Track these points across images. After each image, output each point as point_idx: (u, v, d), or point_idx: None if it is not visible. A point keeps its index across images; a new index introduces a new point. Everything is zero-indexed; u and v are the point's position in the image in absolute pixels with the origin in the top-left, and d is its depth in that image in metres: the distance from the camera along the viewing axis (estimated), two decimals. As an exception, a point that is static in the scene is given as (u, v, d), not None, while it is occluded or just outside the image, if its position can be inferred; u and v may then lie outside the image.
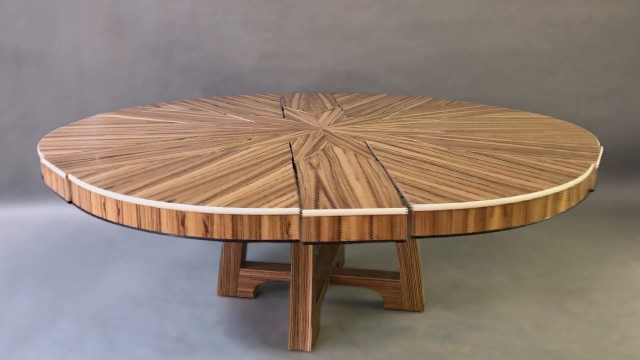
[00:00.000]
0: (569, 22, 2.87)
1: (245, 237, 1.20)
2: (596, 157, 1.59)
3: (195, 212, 1.21)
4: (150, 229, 1.25)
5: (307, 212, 1.18)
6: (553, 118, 2.09)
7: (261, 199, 1.24)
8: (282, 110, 2.20)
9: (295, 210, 1.19)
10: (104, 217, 1.31)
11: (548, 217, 1.35)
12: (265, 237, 1.20)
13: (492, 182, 1.37)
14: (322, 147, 1.67)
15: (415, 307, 1.94)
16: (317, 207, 1.21)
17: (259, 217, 1.19)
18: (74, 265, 2.29)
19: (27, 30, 2.81)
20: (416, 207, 1.20)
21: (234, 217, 1.20)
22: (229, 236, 1.21)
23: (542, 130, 1.92)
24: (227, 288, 2.03)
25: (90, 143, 1.68)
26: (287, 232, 1.20)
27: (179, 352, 1.73)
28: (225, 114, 2.07)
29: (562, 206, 1.38)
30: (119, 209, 1.27)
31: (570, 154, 1.63)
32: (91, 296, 2.06)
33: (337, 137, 1.75)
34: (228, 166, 1.46)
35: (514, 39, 2.88)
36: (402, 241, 1.22)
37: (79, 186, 1.35)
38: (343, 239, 1.21)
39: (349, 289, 2.08)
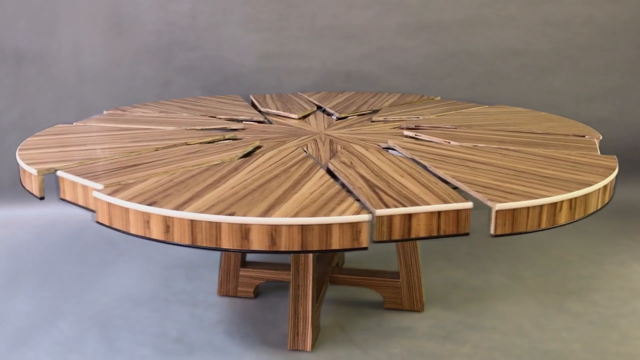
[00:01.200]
0: (569, 22, 2.87)
1: (315, 248, 1.16)
2: (604, 148, 1.69)
3: (261, 225, 1.15)
4: (208, 245, 1.17)
5: (380, 212, 1.18)
6: (536, 110, 2.14)
7: (322, 208, 1.20)
8: (259, 111, 2.16)
9: (366, 217, 1.17)
10: (146, 236, 1.21)
11: (599, 208, 1.39)
12: (335, 246, 1.17)
13: (546, 177, 1.39)
14: (338, 149, 1.66)
15: (415, 307, 1.94)
16: (386, 205, 1.20)
17: (329, 226, 1.16)
18: (74, 265, 2.29)
19: (27, 30, 2.81)
20: (498, 206, 1.21)
21: (303, 228, 1.15)
22: (296, 247, 1.16)
23: (539, 122, 1.96)
24: (227, 288, 2.03)
25: (80, 154, 1.57)
26: (357, 239, 1.17)
27: (179, 352, 1.73)
28: (215, 117, 2.06)
29: (607, 196, 1.42)
30: (168, 226, 1.19)
31: (586, 147, 1.69)
32: (91, 296, 2.06)
33: (345, 140, 1.75)
34: (260, 174, 1.42)
35: (514, 39, 2.88)
36: (467, 234, 1.23)
37: (109, 203, 1.25)
38: (413, 235, 1.21)
39: (349, 289, 2.08)
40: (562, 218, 1.29)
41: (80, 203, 1.36)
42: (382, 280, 1.94)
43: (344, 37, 2.88)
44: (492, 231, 1.23)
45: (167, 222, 1.19)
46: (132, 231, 1.23)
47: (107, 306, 1.99)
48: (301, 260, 1.70)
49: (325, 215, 1.16)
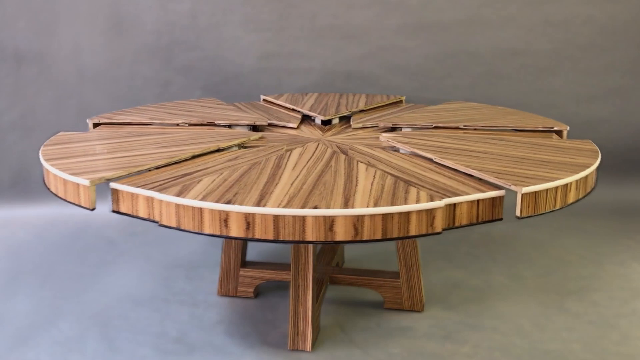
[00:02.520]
0: (569, 22, 2.87)
1: (395, 235, 1.23)
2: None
3: (345, 216, 1.21)
4: (292, 239, 1.21)
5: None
6: (494, 105, 2.21)
7: (395, 197, 1.27)
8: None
9: (440, 203, 1.25)
10: (223, 234, 1.23)
11: (593, 187, 1.51)
12: (412, 232, 1.25)
13: (545, 162, 1.49)
14: (348, 151, 1.68)
15: (415, 307, 1.94)
16: (431, 199, 1.28)
17: (408, 214, 1.23)
18: (74, 265, 2.29)
19: (27, 30, 2.81)
20: (524, 189, 1.31)
21: (384, 217, 1.22)
22: (378, 236, 1.23)
23: (503, 116, 2.01)
24: (227, 288, 2.03)
25: (118, 162, 1.51)
26: (432, 225, 1.26)
27: (179, 352, 1.73)
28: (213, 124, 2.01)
29: (594, 177, 1.54)
30: (248, 223, 1.22)
31: (556, 135, 1.81)
32: (91, 296, 2.06)
33: (349, 146, 1.76)
34: (306, 170, 1.45)
35: (514, 39, 2.88)
36: (500, 219, 1.34)
37: (177, 204, 1.26)
38: (456, 224, 1.30)
39: (349, 289, 2.08)
40: (571, 198, 1.40)
41: (141, 212, 1.34)
42: (382, 280, 1.94)
43: (344, 37, 2.88)
44: (517, 214, 1.32)
45: (248, 219, 1.22)
46: (207, 231, 1.25)
47: (107, 306, 1.99)
48: (301, 260, 1.70)
49: (402, 203, 1.24)
